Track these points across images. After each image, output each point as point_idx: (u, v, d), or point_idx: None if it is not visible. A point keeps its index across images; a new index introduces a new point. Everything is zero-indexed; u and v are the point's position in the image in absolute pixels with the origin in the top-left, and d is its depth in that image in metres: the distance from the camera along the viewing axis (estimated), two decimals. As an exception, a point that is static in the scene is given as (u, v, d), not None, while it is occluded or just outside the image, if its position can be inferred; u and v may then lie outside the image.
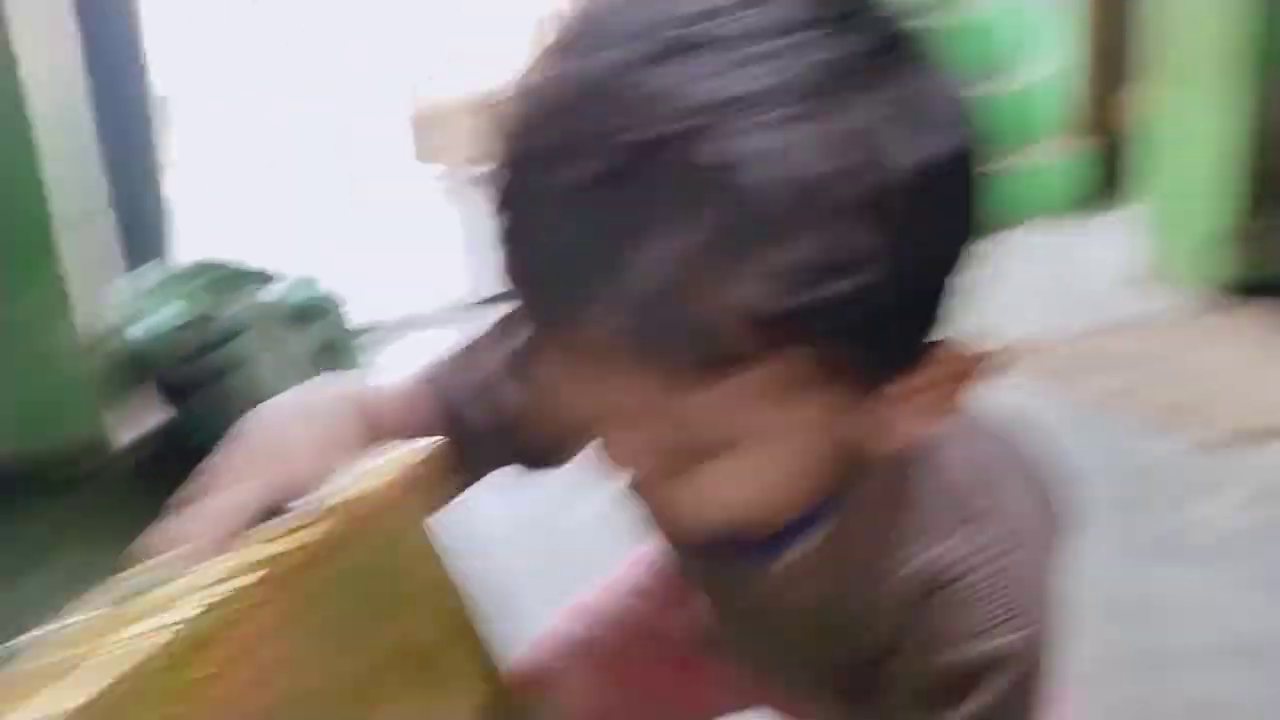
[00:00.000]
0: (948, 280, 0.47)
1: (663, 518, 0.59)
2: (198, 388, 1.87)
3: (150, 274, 2.15)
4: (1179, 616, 1.41)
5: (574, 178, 0.39)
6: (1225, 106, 2.86)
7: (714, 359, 0.41)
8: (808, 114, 0.39)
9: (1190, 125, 3.01)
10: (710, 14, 0.39)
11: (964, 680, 0.52)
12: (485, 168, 0.44)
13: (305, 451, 0.51)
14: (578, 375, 0.44)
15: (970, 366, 0.50)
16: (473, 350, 0.62)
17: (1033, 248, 3.67)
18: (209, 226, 3.12)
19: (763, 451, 0.47)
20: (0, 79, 1.71)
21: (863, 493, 0.54)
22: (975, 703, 0.52)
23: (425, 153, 5.23)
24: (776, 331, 0.41)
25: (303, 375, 1.81)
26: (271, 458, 0.52)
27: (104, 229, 2.07)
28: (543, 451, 0.61)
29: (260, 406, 0.56)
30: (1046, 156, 4.30)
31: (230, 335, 1.83)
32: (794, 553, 0.56)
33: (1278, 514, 1.69)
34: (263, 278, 2.02)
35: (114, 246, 2.13)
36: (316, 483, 0.51)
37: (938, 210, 0.44)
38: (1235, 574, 1.51)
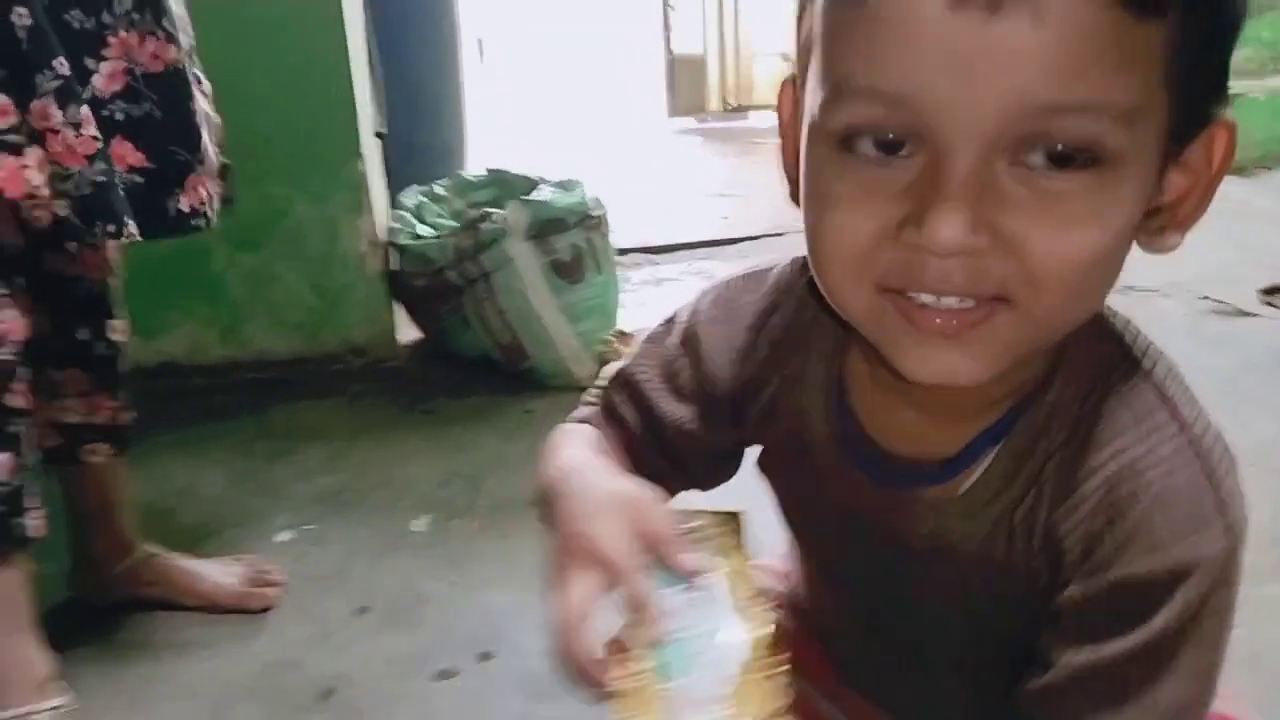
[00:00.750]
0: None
1: (966, 323, 0.48)
2: (464, 290, 2.04)
3: (437, 185, 2.37)
4: None
5: None
6: None
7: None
8: None
9: None
10: None
11: (1154, 591, 0.49)
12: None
13: (620, 548, 0.53)
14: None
15: (1231, 149, 0.49)
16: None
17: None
18: (502, 146, 3.38)
19: (1116, 181, 0.45)
20: (325, 21, 1.96)
21: (1063, 383, 0.53)
22: (1161, 618, 0.49)
23: (677, 105, 5.44)
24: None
25: (543, 284, 1.91)
26: (593, 558, 0.53)
27: (403, 142, 2.30)
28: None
29: (566, 498, 0.59)
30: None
31: (491, 240, 1.98)
32: (980, 466, 0.54)
33: None
34: (530, 183, 2.16)
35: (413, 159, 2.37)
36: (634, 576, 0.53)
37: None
38: None
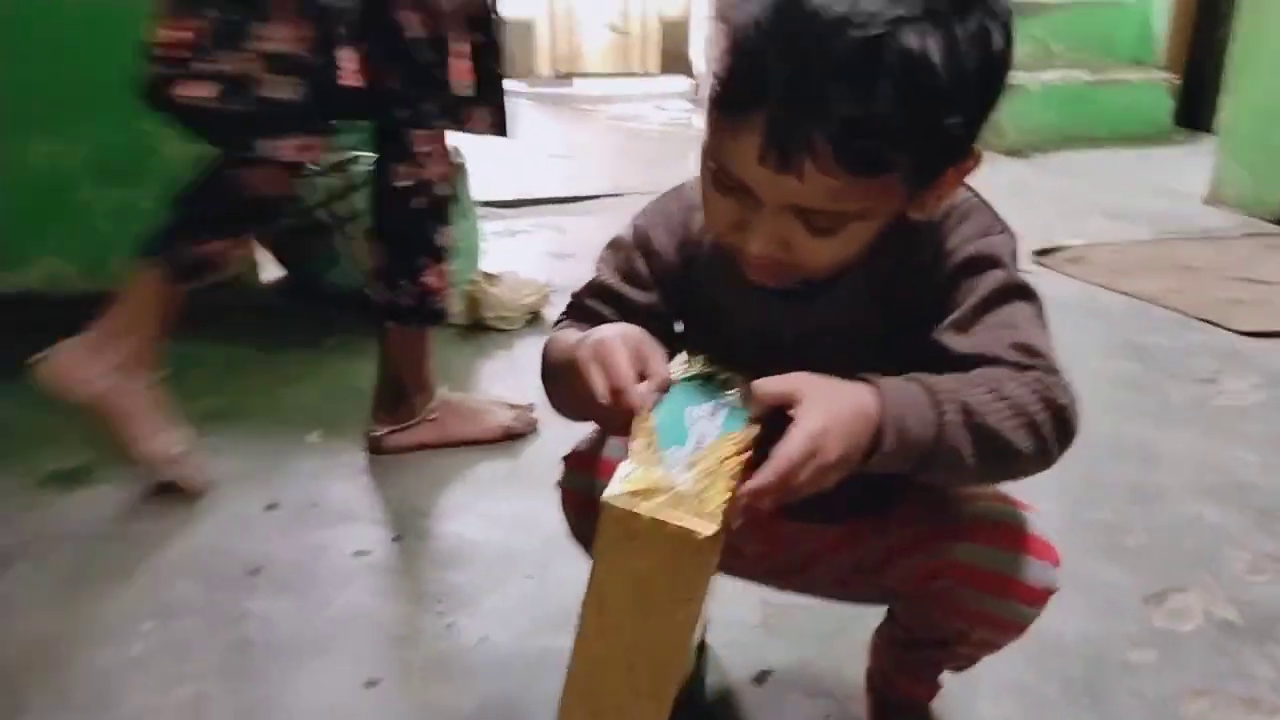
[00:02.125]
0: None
1: (776, 275, 0.77)
2: (334, 230, 2.16)
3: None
4: (1173, 463, 1.63)
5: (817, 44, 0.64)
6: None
7: (868, 163, 0.67)
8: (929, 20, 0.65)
9: (1264, 54, 3.08)
10: None
11: (976, 263, 0.78)
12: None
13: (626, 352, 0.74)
14: (767, 160, 0.67)
15: (970, 170, 0.76)
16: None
17: (1115, 166, 3.82)
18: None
19: (866, 223, 0.72)
20: None
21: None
22: (996, 277, 0.77)
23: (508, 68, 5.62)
24: (908, 145, 0.67)
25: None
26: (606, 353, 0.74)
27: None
28: None
29: (578, 341, 0.77)
30: (1140, 81, 4.40)
31: (360, 184, 2.10)
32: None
33: (1276, 395, 1.89)
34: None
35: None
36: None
37: (996, 83, 0.71)
38: (1233, 436, 1.72)
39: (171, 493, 1.47)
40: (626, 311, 0.87)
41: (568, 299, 0.90)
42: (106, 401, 1.41)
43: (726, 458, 0.68)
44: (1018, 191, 3.45)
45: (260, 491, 1.50)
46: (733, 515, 0.68)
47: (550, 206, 3.15)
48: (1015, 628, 0.88)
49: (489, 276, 2.20)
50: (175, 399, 1.76)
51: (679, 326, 0.91)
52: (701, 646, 1.14)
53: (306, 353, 2.01)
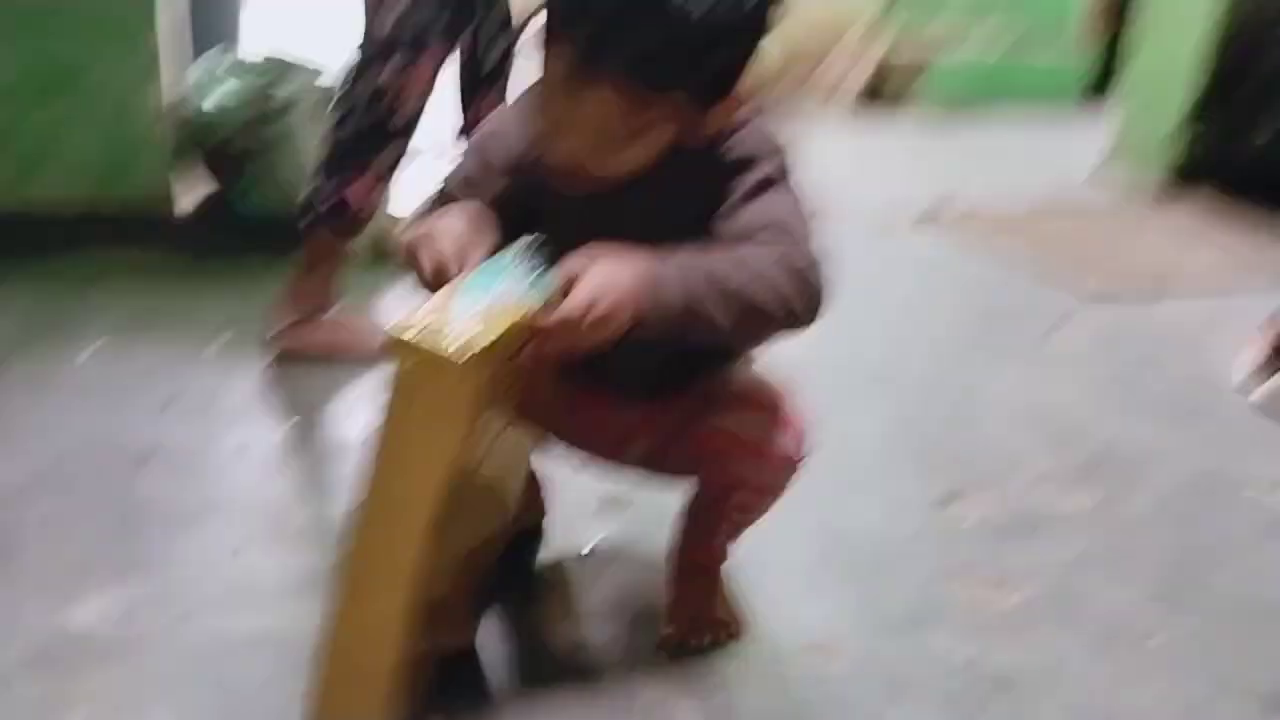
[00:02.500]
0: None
1: (578, 183, 0.94)
2: (251, 157, 2.28)
3: (220, 59, 2.55)
4: (991, 399, 1.82)
5: None
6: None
7: (652, 90, 0.86)
8: None
9: (1164, 19, 3.27)
10: None
11: (743, 164, 0.94)
12: None
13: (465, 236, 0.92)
14: (573, 74, 0.85)
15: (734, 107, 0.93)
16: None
17: (1017, 130, 4.02)
18: (273, 26, 3.50)
19: (652, 138, 0.91)
20: None
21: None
22: (763, 170, 0.94)
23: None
24: (688, 78, 0.87)
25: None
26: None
27: (184, 16, 2.45)
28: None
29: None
30: (1058, 48, 4.59)
31: (282, 112, 2.22)
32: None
33: (1102, 348, 2.09)
34: (314, 70, 2.40)
35: (189, 33, 2.52)
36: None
37: (749, 38, 0.89)
38: (1054, 378, 1.92)
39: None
40: (482, 192, 1.01)
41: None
42: (330, 346, 1.75)
43: (510, 317, 0.82)
44: (926, 154, 3.64)
45: (157, 391, 1.63)
46: (505, 366, 0.82)
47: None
48: (769, 490, 1.06)
49: (393, 219, 2.33)
50: (82, 309, 1.90)
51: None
52: (537, 531, 1.31)
53: (217, 271, 2.13)
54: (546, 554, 1.30)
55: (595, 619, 1.20)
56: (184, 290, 2.03)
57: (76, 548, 1.25)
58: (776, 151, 0.98)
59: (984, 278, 2.46)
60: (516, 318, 0.83)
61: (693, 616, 1.17)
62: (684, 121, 0.92)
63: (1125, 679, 1.16)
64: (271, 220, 2.31)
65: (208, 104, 2.33)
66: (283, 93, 2.24)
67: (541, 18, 0.90)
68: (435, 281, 0.89)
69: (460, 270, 0.89)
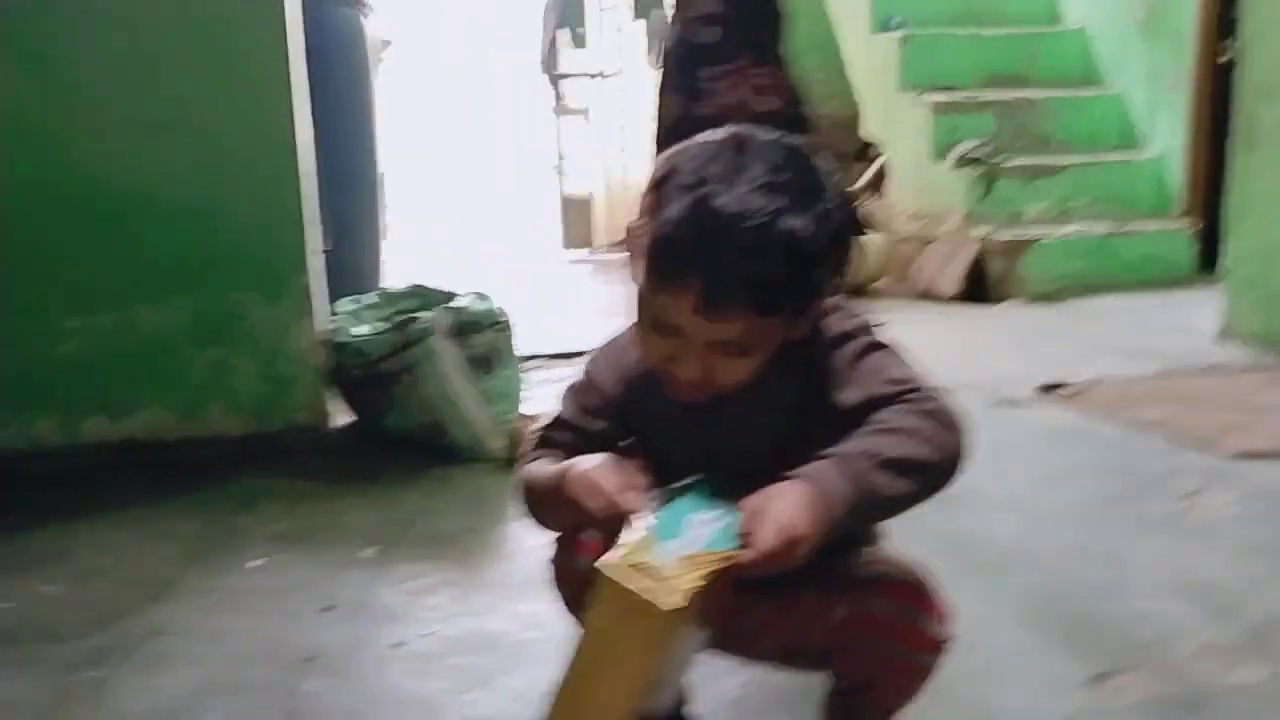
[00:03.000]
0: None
1: (698, 392, 1.01)
2: (396, 379, 2.47)
3: (367, 296, 2.81)
4: (1139, 567, 1.77)
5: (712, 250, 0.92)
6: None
7: (768, 308, 0.94)
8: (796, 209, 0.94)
9: (1259, 197, 3.30)
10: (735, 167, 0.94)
11: (840, 340, 1.02)
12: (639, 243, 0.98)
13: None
14: (700, 311, 0.93)
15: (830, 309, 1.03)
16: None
17: (1133, 309, 4.00)
18: (412, 268, 3.85)
19: (762, 351, 0.99)
20: (283, 155, 2.43)
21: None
22: (858, 343, 1.02)
23: (569, 238, 6.10)
24: (792, 293, 0.95)
25: (461, 375, 2.36)
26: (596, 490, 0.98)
27: (330, 260, 2.74)
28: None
29: (562, 471, 1.02)
30: (1155, 228, 4.62)
31: (418, 338, 2.43)
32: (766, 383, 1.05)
33: (1256, 508, 2.02)
34: (449, 295, 2.63)
35: (337, 275, 2.81)
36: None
37: (842, 244, 0.98)
38: (1203, 544, 1.85)
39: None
40: (583, 438, 1.12)
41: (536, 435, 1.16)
42: None
43: (711, 561, 0.88)
44: (1035, 334, 3.66)
45: (318, 596, 1.73)
46: (704, 603, 0.87)
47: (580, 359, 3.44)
48: (912, 671, 1.06)
49: (527, 418, 2.47)
50: (252, 524, 2.05)
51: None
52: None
53: (366, 485, 2.28)
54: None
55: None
56: (335, 503, 2.17)
57: (250, 747, 1.32)
58: (868, 325, 1.05)
59: (1117, 444, 2.42)
60: (716, 562, 0.88)
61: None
62: (790, 326, 0.99)
63: None
64: (412, 436, 2.48)
65: (356, 331, 2.56)
66: (423, 317, 2.45)
67: (645, 258, 0.99)
68: (610, 516, 0.94)
69: (631, 502, 0.94)
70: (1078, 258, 4.44)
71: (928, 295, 4.46)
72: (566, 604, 1.15)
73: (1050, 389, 2.88)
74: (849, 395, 1.00)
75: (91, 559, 1.91)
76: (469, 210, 8.23)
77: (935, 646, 1.05)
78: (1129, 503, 2.06)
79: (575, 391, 1.15)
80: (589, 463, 1.00)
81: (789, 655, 1.16)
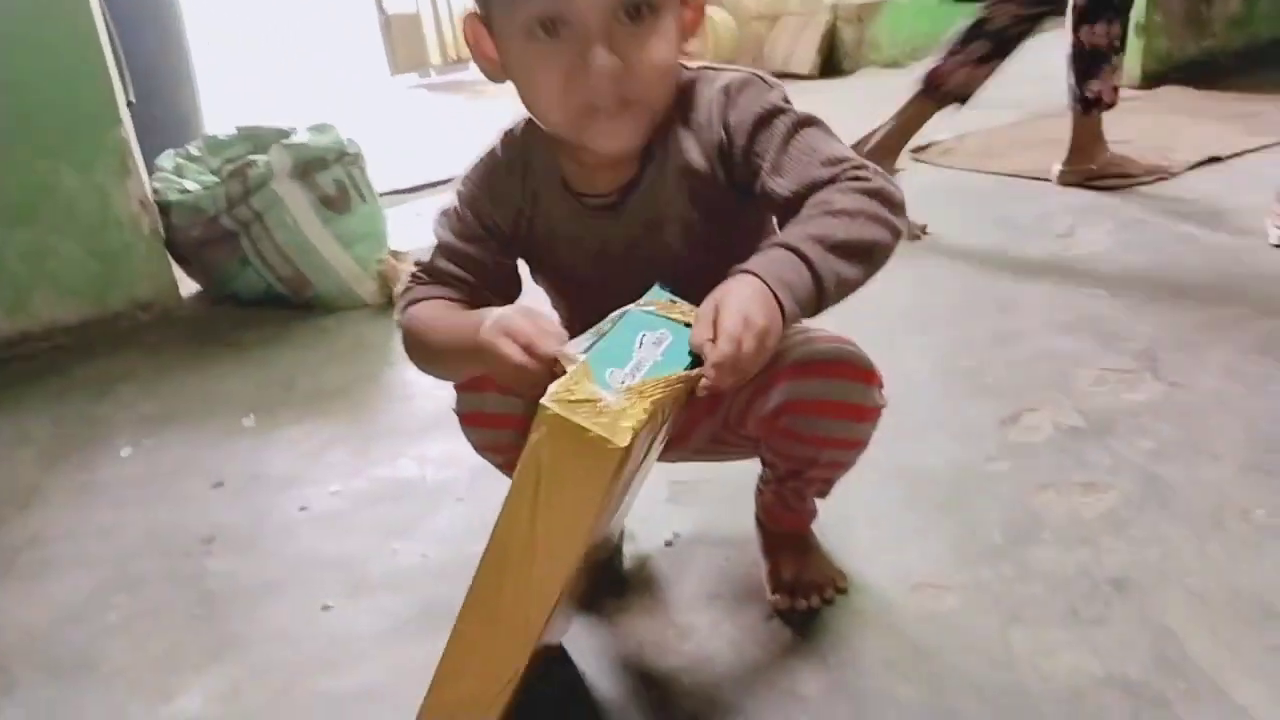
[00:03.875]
0: None
1: (619, 107, 0.88)
2: (238, 235, 2.26)
3: (190, 148, 2.54)
4: (1029, 308, 1.80)
5: None
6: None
7: None
8: None
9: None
10: None
11: (772, 113, 0.93)
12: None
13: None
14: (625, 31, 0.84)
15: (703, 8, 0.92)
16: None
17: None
18: (236, 109, 3.51)
19: (666, 23, 0.87)
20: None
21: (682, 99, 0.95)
22: (785, 120, 0.92)
23: (398, 63, 5.65)
24: None
25: (314, 218, 2.16)
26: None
27: (140, 114, 2.44)
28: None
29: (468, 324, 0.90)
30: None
31: (259, 184, 2.21)
32: (645, 180, 0.96)
33: (1128, 236, 2.07)
34: (284, 133, 2.38)
35: (150, 129, 2.51)
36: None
37: None
38: (1084, 278, 1.90)
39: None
40: (471, 264, 1.01)
41: (412, 267, 1.04)
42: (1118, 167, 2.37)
43: (661, 386, 0.78)
44: (896, 98, 3.61)
45: (204, 473, 1.61)
46: (657, 428, 0.80)
47: (447, 186, 3.25)
48: (854, 444, 1.04)
49: (397, 254, 2.32)
50: (109, 413, 1.88)
51: (522, 266, 1.06)
52: (620, 534, 1.28)
53: (232, 351, 2.11)
54: (629, 547, 1.27)
55: (696, 604, 1.17)
56: (201, 375, 2.01)
57: (163, 640, 1.23)
58: (779, 91, 0.96)
59: (991, 193, 2.44)
60: (669, 385, 0.79)
61: (794, 581, 1.15)
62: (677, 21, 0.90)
63: (1241, 554, 1.14)
64: (271, 293, 2.30)
65: (187, 187, 2.32)
66: (259, 160, 2.22)
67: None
68: (532, 364, 0.83)
69: (552, 348, 0.82)
70: (928, 16, 4.38)
71: (784, 74, 4.35)
72: (482, 449, 1.07)
73: (919, 150, 2.86)
74: (783, 183, 0.91)
75: (-63, 476, 1.73)
76: (282, 43, 7.44)
77: (873, 415, 1.02)
78: (1010, 249, 2.09)
79: (449, 216, 1.03)
80: (500, 311, 0.88)
81: (720, 447, 1.13)
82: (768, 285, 0.82)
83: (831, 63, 4.27)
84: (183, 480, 1.61)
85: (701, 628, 1.13)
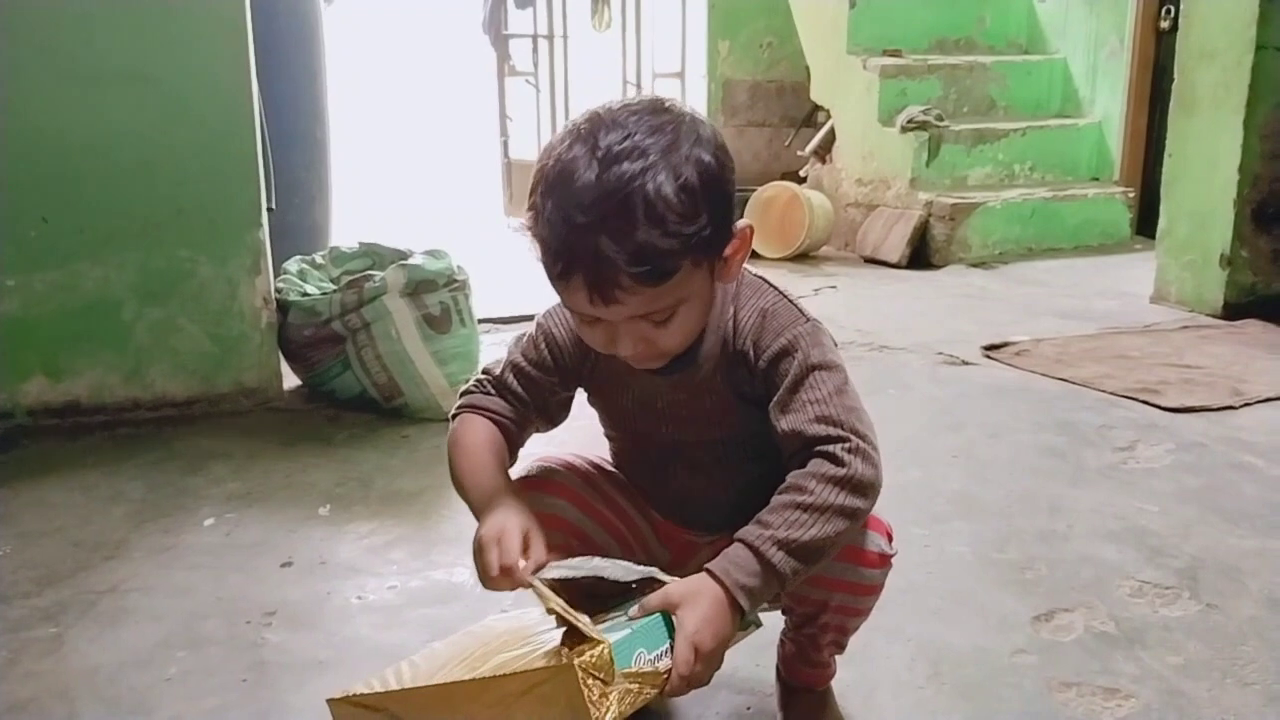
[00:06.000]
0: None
1: (648, 360, 1.03)
2: (345, 340, 2.44)
3: (314, 256, 2.78)
4: (1080, 514, 1.84)
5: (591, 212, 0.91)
6: (1227, 135, 3.23)
7: (666, 272, 0.93)
8: (654, 169, 0.92)
9: (1191, 163, 3.39)
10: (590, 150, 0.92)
11: (782, 354, 1.04)
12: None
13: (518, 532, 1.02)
14: (595, 301, 0.94)
15: (748, 239, 1.03)
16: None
17: (1073, 272, 4.10)
18: (358, 229, 3.79)
19: (690, 303, 0.99)
20: (238, 109, 2.39)
21: (721, 314, 1.08)
22: (801, 360, 1.03)
23: (512, 204, 6.04)
24: (684, 254, 0.94)
25: (416, 334, 2.34)
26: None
27: (276, 220, 2.69)
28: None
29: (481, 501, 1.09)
30: (1094, 192, 4.74)
31: (372, 297, 2.40)
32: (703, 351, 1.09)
33: (1188, 458, 2.10)
34: (401, 254, 2.60)
35: (282, 235, 2.77)
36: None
37: (720, 185, 0.97)
38: (1139, 492, 1.93)
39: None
40: (531, 388, 1.14)
41: (479, 373, 1.17)
42: None
43: (649, 680, 0.92)
44: (979, 297, 3.74)
45: (276, 552, 1.73)
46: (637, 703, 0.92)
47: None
48: (863, 589, 1.10)
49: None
50: (203, 485, 2.03)
51: (582, 394, 1.19)
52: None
53: (319, 445, 2.26)
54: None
55: (713, 744, 1.22)
56: (288, 464, 2.15)
57: (215, 698, 1.32)
58: (809, 329, 1.06)
59: (1058, 399, 2.50)
60: (654, 681, 0.93)
61: (809, 737, 1.19)
62: (706, 277, 1.00)
63: (1256, 780, 1.15)
64: (364, 397, 2.47)
65: (309, 290, 2.53)
66: (377, 275, 2.43)
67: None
68: (501, 581, 0.99)
69: (524, 577, 0.98)
70: (1019, 222, 4.53)
71: (874, 260, 4.52)
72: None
73: (994, 349, 2.95)
74: (783, 422, 1.03)
75: (36, 521, 1.88)
76: (413, 173, 8.07)
77: (881, 562, 1.09)
78: (1069, 454, 2.14)
79: (526, 341, 1.16)
80: (504, 516, 1.03)
81: None
82: (727, 591, 0.94)
83: (921, 255, 4.42)
84: (256, 556, 1.72)
85: (713, 767, 1.17)
